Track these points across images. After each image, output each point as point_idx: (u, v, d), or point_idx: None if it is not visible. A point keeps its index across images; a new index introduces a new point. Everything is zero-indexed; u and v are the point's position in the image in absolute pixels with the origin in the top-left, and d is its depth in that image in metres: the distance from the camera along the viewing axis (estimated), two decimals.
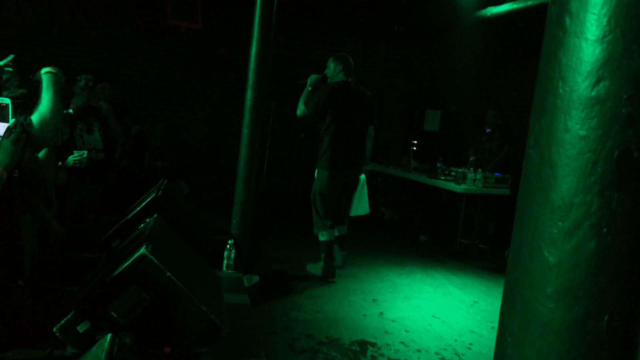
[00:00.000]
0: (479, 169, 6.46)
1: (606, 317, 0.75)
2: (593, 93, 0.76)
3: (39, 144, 2.53)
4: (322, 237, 5.07)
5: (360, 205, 5.28)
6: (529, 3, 6.59)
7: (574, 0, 0.79)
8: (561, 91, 0.80)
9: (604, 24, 0.75)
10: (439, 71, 8.62)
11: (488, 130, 7.07)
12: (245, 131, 4.83)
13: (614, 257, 0.75)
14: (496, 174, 6.55)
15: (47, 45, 7.04)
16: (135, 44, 7.38)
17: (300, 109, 5.15)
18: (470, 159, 7.29)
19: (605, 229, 0.75)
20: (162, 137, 7.21)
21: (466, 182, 6.33)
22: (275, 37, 4.87)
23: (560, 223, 0.78)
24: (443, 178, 6.67)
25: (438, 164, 6.89)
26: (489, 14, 7.39)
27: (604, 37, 0.75)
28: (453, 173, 6.62)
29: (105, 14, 7.22)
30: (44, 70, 2.83)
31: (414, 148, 7.36)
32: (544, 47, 0.88)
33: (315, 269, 5.12)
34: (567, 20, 0.80)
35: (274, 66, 4.96)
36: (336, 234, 5.16)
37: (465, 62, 8.56)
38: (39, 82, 2.69)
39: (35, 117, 2.58)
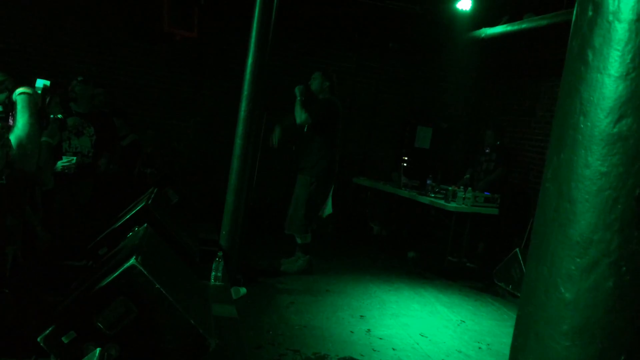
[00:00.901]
0: (469, 188, 6.48)
1: (622, 358, 0.74)
2: (615, 130, 0.76)
3: (17, 165, 2.46)
4: (305, 239, 5.54)
5: (328, 207, 5.85)
6: (524, 26, 6.66)
7: (598, 36, 0.78)
8: (582, 126, 0.79)
9: (628, 61, 0.75)
10: (431, 89, 8.67)
11: (487, 150, 7.13)
12: (238, 142, 4.81)
13: (632, 297, 0.74)
14: (485, 193, 6.58)
15: (41, 49, 6.98)
16: (129, 50, 7.33)
17: (302, 119, 5.47)
18: (466, 176, 7.33)
19: (624, 268, 0.74)
20: (152, 144, 7.15)
21: (456, 200, 6.34)
22: (271, 50, 4.87)
23: (578, 259, 0.77)
24: (433, 195, 6.68)
25: (428, 181, 6.90)
26: (483, 35, 7.46)
27: (627, 74, 0.75)
28: (443, 191, 6.64)
29: (100, 19, 7.17)
30: (18, 91, 2.78)
31: (405, 164, 7.36)
32: (563, 81, 0.87)
33: (292, 267, 5.50)
34: (590, 55, 0.80)
35: (267, 78, 4.96)
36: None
37: (458, 81, 8.62)
38: (13, 104, 2.62)
39: (12, 139, 2.51)
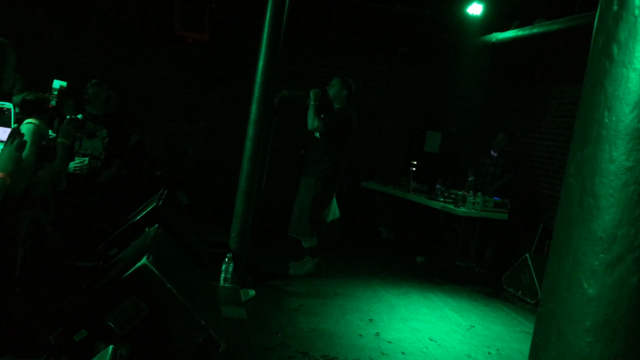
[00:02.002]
0: (479, 193, 6.45)
1: None
2: None
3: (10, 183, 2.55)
4: (312, 243, 5.51)
5: (332, 212, 5.84)
6: (535, 30, 6.63)
7: (623, 30, 0.78)
8: (607, 121, 0.78)
9: None
10: (441, 94, 8.66)
11: (494, 154, 7.06)
12: (248, 144, 4.81)
13: None
14: (495, 198, 6.55)
15: (53, 51, 7.04)
16: (140, 52, 7.38)
17: (314, 126, 5.38)
18: (469, 179, 7.29)
19: None
20: (154, 145, 7.17)
21: (465, 204, 6.32)
22: (282, 53, 4.89)
23: (602, 255, 0.76)
24: (442, 200, 6.66)
25: (437, 186, 6.88)
26: (494, 40, 7.44)
27: None
28: (452, 195, 6.61)
29: (112, 22, 7.22)
30: (27, 121, 3.02)
31: (414, 169, 7.35)
32: (587, 75, 0.86)
33: (301, 270, 5.51)
34: (615, 49, 0.79)
35: (277, 81, 4.97)
36: None
37: (468, 86, 8.60)
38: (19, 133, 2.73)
39: None
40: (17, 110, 3.53)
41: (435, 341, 4.27)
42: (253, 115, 4.80)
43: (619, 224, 0.76)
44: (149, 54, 7.41)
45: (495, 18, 7.42)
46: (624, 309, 0.75)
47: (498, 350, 4.27)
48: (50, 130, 3.67)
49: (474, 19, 7.46)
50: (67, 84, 3.91)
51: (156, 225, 3.46)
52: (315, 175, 5.47)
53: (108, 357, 1.72)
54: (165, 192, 4.61)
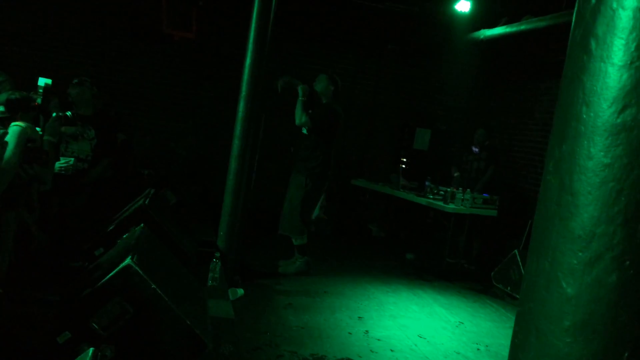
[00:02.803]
0: (468, 189, 6.46)
1: (626, 354, 0.72)
2: (619, 120, 0.74)
3: None
4: (302, 240, 5.48)
5: (316, 209, 6.01)
6: (522, 27, 6.65)
7: (601, 24, 0.76)
8: (585, 116, 0.77)
9: (632, 49, 0.73)
10: (430, 91, 8.66)
11: (476, 150, 7.11)
12: (236, 142, 4.79)
13: (636, 292, 0.72)
14: (484, 195, 6.56)
15: (39, 49, 6.96)
16: (127, 50, 7.31)
17: (301, 121, 5.37)
18: (455, 174, 7.32)
19: (627, 262, 0.72)
20: (148, 144, 7.13)
21: (455, 201, 6.32)
22: (269, 50, 4.86)
23: (580, 254, 0.75)
24: (431, 197, 6.66)
25: (426, 183, 6.87)
26: (482, 37, 7.44)
27: (632, 62, 0.73)
28: (442, 192, 6.61)
29: (97, 20, 7.15)
30: (13, 123, 3.06)
31: (403, 166, 7.34)
32: (565, 71, 0.85)
33: (290, 268, 5.49)
34: (593, 44, 0.77)
35: (265, 79, 4.94)
36: None
37: (457, 83, 8.60)
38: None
39: None
40: (1, 109, 3.52)
41: (425, 338, 4.26)
42: (241, 113, 4.77)
43: (597, 222, 0.74)
44: (136, 52, 7.34)
45: (483, 15, 7.43)
46: (603, 308, 0.74)
47: (487, 346, 4.27)
48: (38, 128, 3.67)
49: (462, 15, 7.46)
50: (52, 82, 3.87)
51: (142, 224, 3.43)
52: (305, 172, 5.46)
53: (88, 359, 1.70)
54: (152, 192, 4.57)
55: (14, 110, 3.52)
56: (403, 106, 8.61)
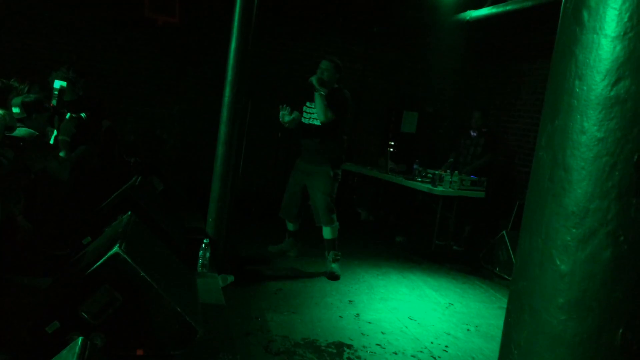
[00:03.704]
0: (456, 172, 6.47)
1: (621, 330, 0.71)
2: (612, 93, 0.72)
3: None
4: (335, 234, 5.32)
5: None
6: (508, 7, 6.63)
7: None
8: (577, 90, 0.75)
9: (626, 20, 0.71)
10: (417, 73, 8.63)
11: (474, 134, 7.05)
12: (222, 128, 4.74)
13: (630, 267, 0.71)
14: (472, 176, 6.58)
15: (18, 37, 6.83)
16: (109, 36, 7.20)
17: (328, 117, 4.95)
18: (449, 160, 7.31)
19: (622, 237, 0.71)
20: (134, 132, 7.06)
21: (443, 184, 6.33)
22: (255, 34, 4.80)
23: (574, 230, 0.73)
24: (420, 180, 6.66)
25: (415, 166, 6.88)
26: (468, 18, 7.42)
27: (625, 33, 0.71)
28: (429, 175, 6.62)
29: (79, 4, 7.03)
30: None
31: (391, 149, 7.33)
32: (557, 43, 0.83)
33: (335, 267, 5.22)
34: (586, 15, 0.76)
35: (251, 63, 4.89)
36: None
37: (443, 65, 8.58)
38: None
39: None
40: (17, 110, 3.71)
41: (415, 320, 4.29)
42: (227, 98, 4.72)
43: (591, 197, 0.73)
44: (119, 37, 7.23)
45: None
46: (597, 285, 0.73)
47: (477, 326, 4.30)
48: (55, 130, 3.90)
49: None
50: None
51: (129, 212, 3.40)
52: (329, 163, 5.15)
53: (77, 348, 1.68)
54: (139, 179, 4.53)
55: (29, 112, 3.83)
56: (390, 89, 8.59)
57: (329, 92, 5.00)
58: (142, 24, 7.04)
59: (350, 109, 5.28)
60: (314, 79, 4.95)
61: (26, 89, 4.37)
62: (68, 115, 4.07)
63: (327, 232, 5.28)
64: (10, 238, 3.71)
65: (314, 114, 5.12)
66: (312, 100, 5.08)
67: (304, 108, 5.24)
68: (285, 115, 5.08)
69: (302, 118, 5.23)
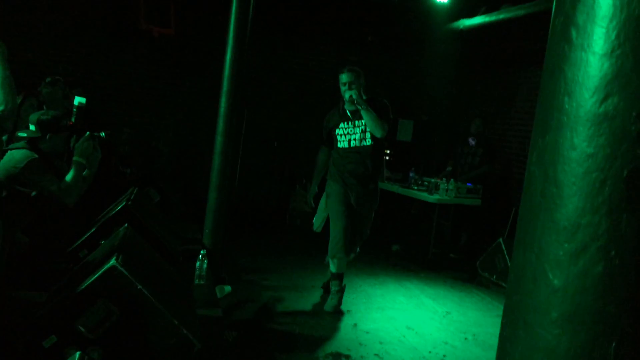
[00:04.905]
0: (452, 180, 6.49)
1: (614, 344, 0.72)
2: (601, 109, 0.73)
3: None
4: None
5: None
6: (501, 16, 6.67)
7: (581, 13, 0.76)
8: (567, 107, 0.77)
9: (613, 37, 0.72)
10: (411, 81, 8.67)
11: (473, 142, 7.05)
12: (218, 139, 4.75)
13: (622, 282, 0.72)
14: (468, 184, 6.60)
15: (14, 47, 6.83)
16: (105, 47, 7.21)
17: (385, 130, 4.39)
18: (447, 169, 7.33)
19: (613, 252, 0.72)
20: (129, 143, 7.06)
21: (439, 192, 6.35)
22: (250, 44, 4.82)
23: (566, 245, 0.74)
24: (416, 188, 6.68)
25: (411, 174, 6.90)
26: (461, 26, 7.46)
27: (612, 51, 0.72)
28: (426, 183, 6.64)
29: (74, 15, 7.04)
30: None
31: (387, 157, 7.36)
32: (547, 60, 0.84)
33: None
34: (574, 32, 0.77)
35: (246, 74, 4.90)
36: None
37: (437, 73, 8.62)
38: None
39: None
40: (32, 128, 3.48)
41: (413, 329, 4.28)
42: (223, 109, 4.73)
43: (582, 213, 0.74)
44: (115, 48, 7.25)
45: (463, 4, 7.44)
46: (589, 299, 0.74)
47: (474, 335, 4.30)
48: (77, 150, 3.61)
49: (441, 5, 7.47)
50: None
51: (126, 224, 3.40)
52: (376, 180, 4.66)
53: None
54: (135, 191, 4.53)
55: (44, 131, 3.56)
56: (385, 97, 8.60)
57: (373, 102, 4.46)
58: (138, 35, 7.06)
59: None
60: (354, 94, 4.35)
61: (19, 100, 4.34)
62: (87, 133, 3.74)
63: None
64: (6, 252, 3.70)
65: (357, 134, 4.45)
66: (347, 119, 4.49)
67: (338, 131, 4.53)
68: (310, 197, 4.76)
69: (339, 143, 4.52)
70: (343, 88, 4.47)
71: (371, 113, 4.30)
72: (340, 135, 4.51)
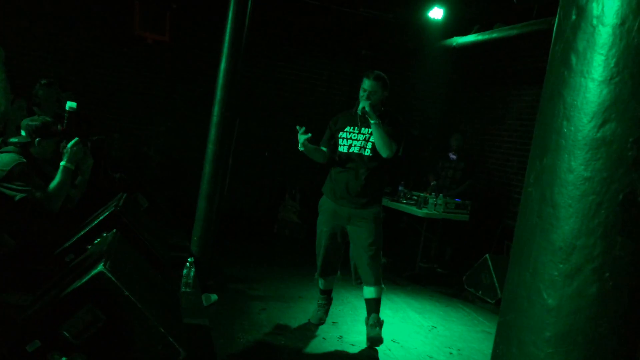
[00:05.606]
0: (440, 194, 6.53)
1: None
2: (599, 134, 0.75)
3: None
4: (380, 294, 4.37)
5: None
6: (494, 35, 6.76)
7: (581, 40, 0.78)
8: (565, 130, 0.78)
9: (612, 65, 0.74)
10: (403, 96, 8.73)
11: (453, 157, 7.14)
12: (210, 147, 4.76)
13: (615, 303, 0.73)
14: (456, 199, 6.64)
15: (8, 52, 6.79)
16: (99, 52, 7.20)
17: (393, 150, 4.08)
18: (432, 183, 7.37)
19: (607, 274, 0.73)
20: (118, 148, 7.03)
21: (427, 206, 6.38)
22: (244, 54, 4.84)
23: (561, 265, 0.76)
24: (405, 202, 6.71)
25: (400, 188, 6.93)
26: (454, 44, 7.54)
27: (611, 78, 0.74)
28: (415, 197, 6.67)
29: (68, 21, 7.03)
30: None
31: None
32: (546, 84, 0.86)
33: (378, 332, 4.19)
34: (573, 59, 0.79)
35: (240, 83, 4.92)
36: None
37: (429, 89, 8.70)
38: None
39: None
40: (23, 133, 3.45)
41: (398, 343, 4.29)
42: (215, 118, 4.74)
43: (577, 234, 0.76)
44: (109, 54, 7.24)
45: (456, 22, 7.53)
46: (583, 319, 0.75)
47: (459, 350, 4.31)
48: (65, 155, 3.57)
49: (435, 23, 7.55)
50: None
51: (114, 230, 3.38)
52: (378, 202, 4.37)
53: None
54: (124, 196, 4.50)
55: (32, 136, 3.52)
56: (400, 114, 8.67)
57: (386, 118, 4.15)
58: (132, 42, 7.06)
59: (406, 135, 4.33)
60: (367, 106, 3.96)
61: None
62: (76, 139, 3.64)
63: (371, 292, 4.29)
64: None
65: (359, 140, 4.15)
66: (354, 124, 4.20)
67: (342, 134, 4.23)
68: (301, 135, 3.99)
69: (339, 147, 4.22)
70: (362, 93, 4.12)
71: (381, 130, 3.96)
72: (343, 138, 4.20)
